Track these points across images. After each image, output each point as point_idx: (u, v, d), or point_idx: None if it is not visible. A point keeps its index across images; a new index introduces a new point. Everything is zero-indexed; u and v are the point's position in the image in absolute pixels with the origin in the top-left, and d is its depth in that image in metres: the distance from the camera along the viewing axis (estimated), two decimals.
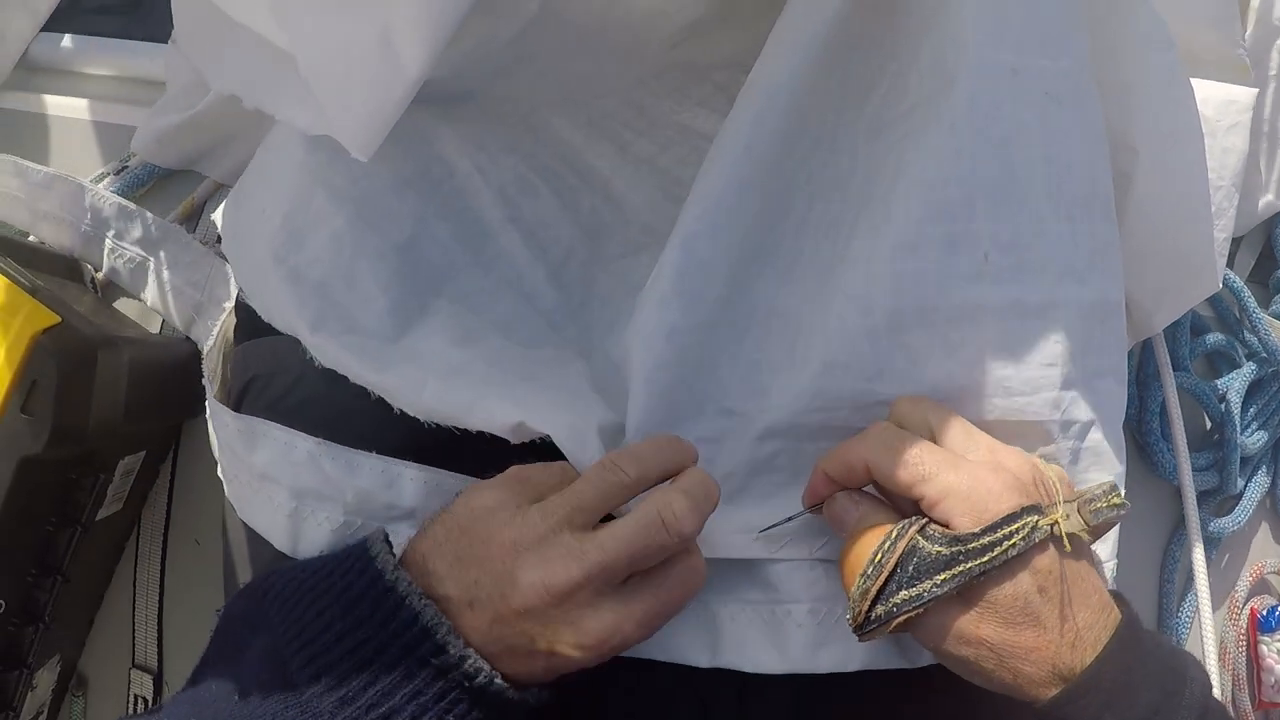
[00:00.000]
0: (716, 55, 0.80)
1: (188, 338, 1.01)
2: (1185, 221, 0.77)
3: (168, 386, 0.93)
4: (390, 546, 0.60)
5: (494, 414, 0.64)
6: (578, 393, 0.69)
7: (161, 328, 1.04)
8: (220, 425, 0.74)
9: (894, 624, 0.57)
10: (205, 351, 0.83)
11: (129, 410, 0.84)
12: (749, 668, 0.64)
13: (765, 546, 0.65)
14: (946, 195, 0.63)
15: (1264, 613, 1.04)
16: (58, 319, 0.75)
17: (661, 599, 0.58)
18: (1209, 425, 1.04)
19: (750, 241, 0.68)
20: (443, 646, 0.55)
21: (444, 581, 0.57)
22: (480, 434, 0.65)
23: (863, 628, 0.58)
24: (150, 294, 1.01)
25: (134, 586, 1.05)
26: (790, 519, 0.64)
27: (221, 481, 0.76)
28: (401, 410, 0.66)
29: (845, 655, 0.64)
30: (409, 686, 0.55)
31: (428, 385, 0.65)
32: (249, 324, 0.79)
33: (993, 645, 0.56)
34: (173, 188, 1.07)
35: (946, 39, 0.64)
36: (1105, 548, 0.70)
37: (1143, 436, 0.99)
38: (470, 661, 0.55)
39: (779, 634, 0.65)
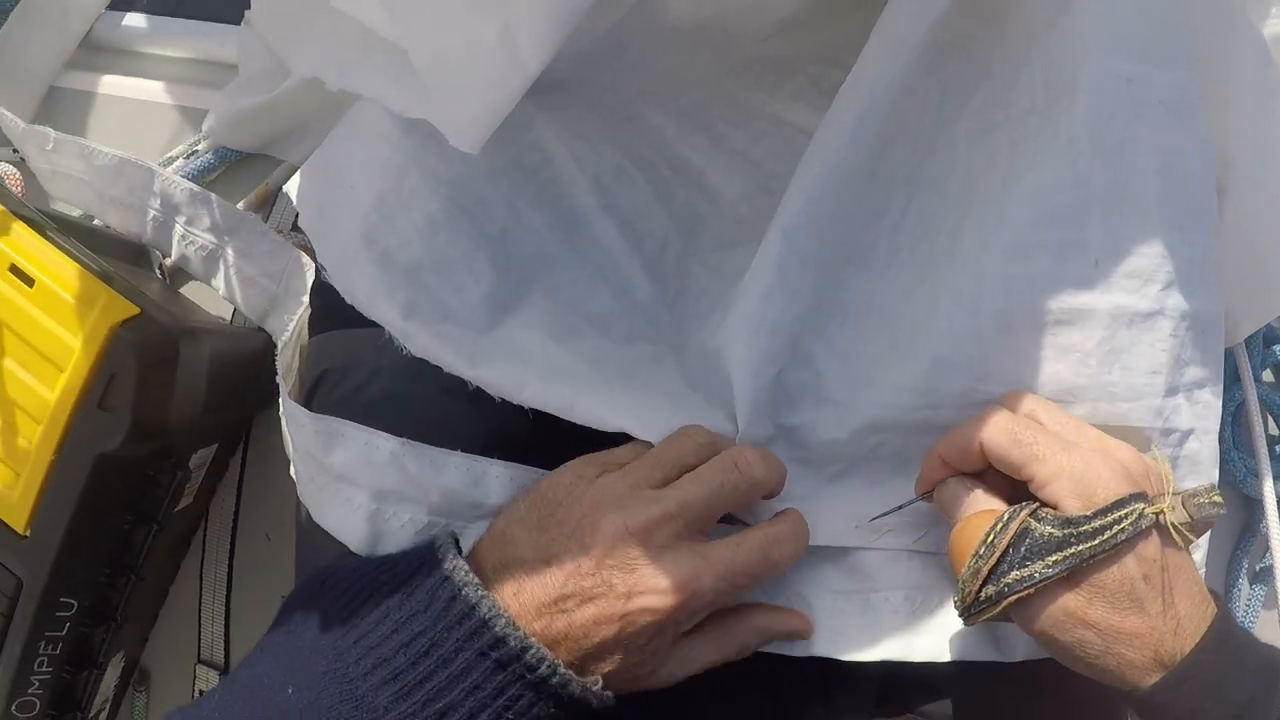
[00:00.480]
0: (809, 49, 0.78)
1: (260, 329, 0.98)
2: (1276, 234, 0.76)
3: (245, 378, 0.90)
4: (458, 545, 0.60)
5: (594, 419, 0.65)
6: (676, 394, 0.69)
7: (233, 317, 1.02)
8: (296, 426, 0.72)
9: (1004, 604, 0.57)
10: (280, 347, 0.80)
11: (208, 404, 0.80)
12: (845, 656, 0.64)
13: (865, 535, 0.66)
14: (1060, 201, 0.63)
15: None
16: (137, 310, 0.72)
17: (742, 554, 0.59)
18: (1276, 435, 1.01)
19: (848, 238, 0.69)
20: (503, 638, 0.54)
21: (520, 545, 0.58)
22: (569, 433, 0.65)
23: (971, 609, 0.59)
24: (222, 283, 0.98)
25: (200, 581, 1.04)
26: (901, 507, 0.65)
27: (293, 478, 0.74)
28: (502, 399, 0.66)
29: (940, 645, 0.65)
30: (467, 681, 0.54)
31: (528, 385, 0.65)
32: (323, 313, 0.77)
33: (1100, 630, 0.56)
34: (245, 173, 1.05)
35: (1062, 45, 0.64)
36: (1197, 555, 0.70)
37: None
38: (532, 652, 0.54)
39: (875, 621, 0.65)
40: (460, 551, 0.59)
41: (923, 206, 0.69)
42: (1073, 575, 0.56)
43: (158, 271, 1.00)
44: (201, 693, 1.03)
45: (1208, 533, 0.65)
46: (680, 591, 0.57)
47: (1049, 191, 0.63)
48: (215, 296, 0.99)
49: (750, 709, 0.67)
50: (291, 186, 0.93)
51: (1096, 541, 0.55)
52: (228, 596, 1.03)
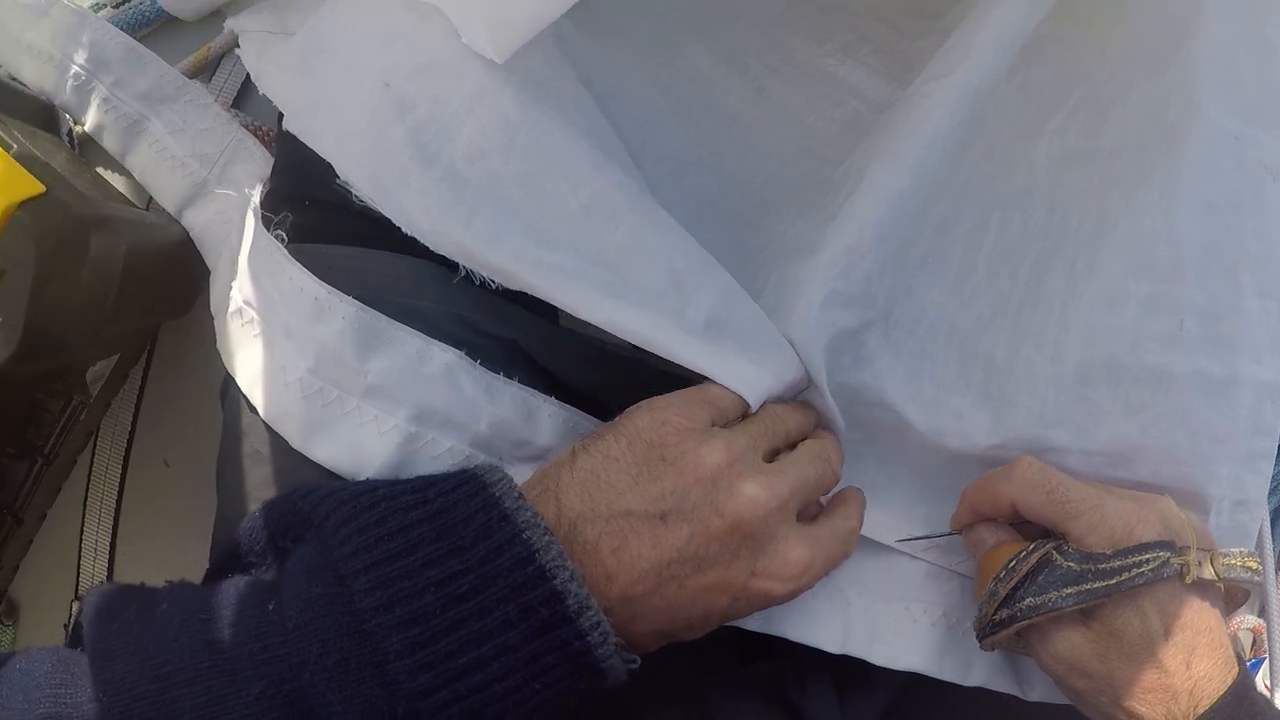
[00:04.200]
0: (854, 1, 0.76)
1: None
2: None
3: (162, 280, 0.74)
4: (510, 478, 0.53)
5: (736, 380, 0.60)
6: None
7: (149, 204, 0.85)
8: (320, 318, 0.58)
9: (1015, 628, 0.59)
10: (252, 238, 0.65)
11: (118, 311, 0.65)
12: (877, 660, 0.65)
13: (912, 545, 0.67)
14: (1155, 254, 0.63)
15: None
16: (41, 188, 0.56)
17: (838, 543, 0.59)
18: None
19: (920, 243, 0.69)
20: (559, 594, 0.48)
21: (624, 495, 0.53)
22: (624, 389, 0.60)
23: (986, 631, 0.61)
24: (140, 162, 0.81)
25: (84, 508, 0.90)
26: (931, 536, 0.67)
27: (219, 395, 0.65)
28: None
29: (966, 668, 0.66)
30: (502, 638, 0.48)
31: (674, 340, 0.59)
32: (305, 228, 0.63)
33: (1111, 680, 0.57)
34: (184, 33, 0.87)
35: (1171, 89, 0.65)
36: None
37: None
38: (589, 615, 0.49)
39: (910, 632, 0.66)
40: (519, 491, 0.52)
41: (1003, 228, 0.69)
42: (1091, 620, 0.58)
43: (66, 139, 0.83)
44: None
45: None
46: (800, 577, 0.56)
47: (1144, 242, 0.63)
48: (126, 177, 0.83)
49: (760, 707, 0.67)
50: (249, 59, 0.77)
51: (1113, 580, 0.56)
52: (114, 528, 0.90)
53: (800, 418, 0.63)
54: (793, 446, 0.62)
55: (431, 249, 0.57)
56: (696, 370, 0.59)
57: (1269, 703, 0.58)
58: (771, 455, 0.59)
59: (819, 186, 0.71)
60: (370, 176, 0.58)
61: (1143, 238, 0.63)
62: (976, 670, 0.66)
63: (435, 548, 0.49)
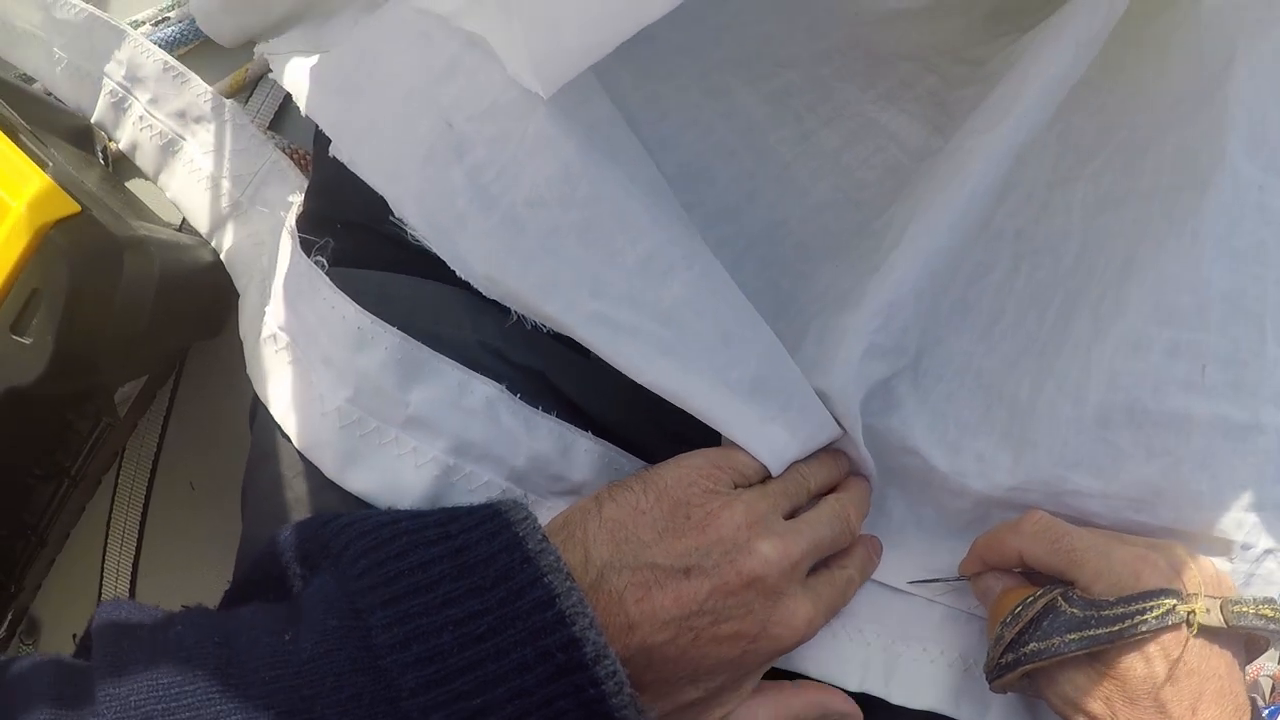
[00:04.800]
0: (903, 45, 0.75)
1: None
2: None
3: (193, 301, 0.73)
4: (534, 517, 0.52)
5: (763, 447, 0.60)
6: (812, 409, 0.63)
7: (183, 224, 0.84)
8: (362, 347, 0.58)
9: (1019, 672, 0.59)
10: (288, 262, 0.64)
11: (150, 332, 0.64)
12: (895, 700, 0.65)
13: (925, 588, 0.67)
14: (1179, 301, 0.63)
15: None
16: (77, 208, 0.55)
17: (837, 595, 0.61)
18: None
19: (952, 291, 0.69)
20: (577, 641, 0.47)
21: (650, 548, 0.54)
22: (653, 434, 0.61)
23: (993, 673, 0.61)
24: (173, 182, 0.80)
25: (107, 528, 0.89)
26: (941, 580, 0.67)
27: (249, 418, 0.65)
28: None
29: (983, 709, 0.66)
30: (517, 680, 0.47)
31: (713, 401, 0.59)
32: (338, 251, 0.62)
33: None
34: (218, 52, 0.86)
35: (1202, 137, 0.65)
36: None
37: None
38: (606, 664, 0.48)
39: (929, 673, 0.66)
40: (542, 531, 0.51)
41: (1033, 274, 0.69)
42: (1096, 663, 0.58)
43: (100, 156, 0.83)
44: None
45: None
46: (805, 630, 0.57)
47: (1169, 288, 0.63)
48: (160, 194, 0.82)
49: None
50: (287, 79, 0.76)
51: (1116, 628, 0.56)
52: (137, 549, 0.90)
53: (827, 472, 0.63)
54: (818, 497, 0.62)
55: (484, 294, 0.57)
56: (727, 435, 0.59)
57: None
58: (793, 512, 0.60)
59: (859, 236, 0.72)
60: (426, 216, 0.57)
61: (1168, 284, 0.63)
62: (993, 712, 0.66)
63: (455, 586, 0.48)
